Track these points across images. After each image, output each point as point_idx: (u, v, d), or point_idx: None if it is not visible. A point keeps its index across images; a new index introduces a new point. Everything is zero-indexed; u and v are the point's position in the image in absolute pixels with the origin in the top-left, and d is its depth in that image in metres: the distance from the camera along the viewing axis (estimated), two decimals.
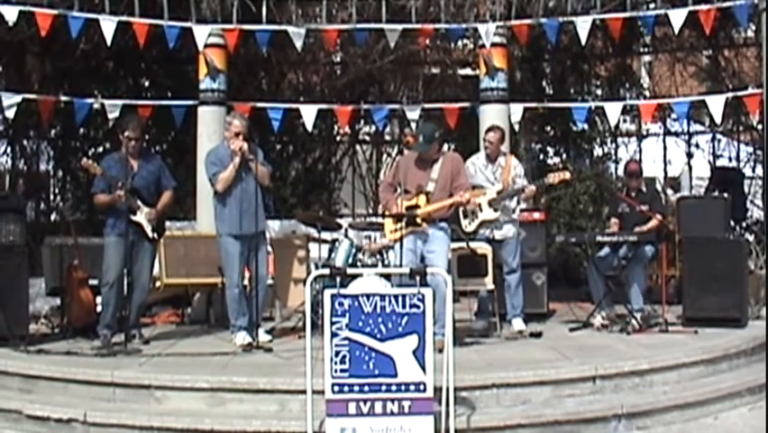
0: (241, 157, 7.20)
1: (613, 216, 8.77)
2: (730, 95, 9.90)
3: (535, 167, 12.08)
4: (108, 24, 9.05)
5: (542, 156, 13.02)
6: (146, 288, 7.63)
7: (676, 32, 9.60)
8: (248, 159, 7.25)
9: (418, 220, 7.00)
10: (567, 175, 8.15)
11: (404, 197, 7.04)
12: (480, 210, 7.91)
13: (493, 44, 9.52)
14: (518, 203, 8.16)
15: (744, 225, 11.45)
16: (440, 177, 7.11)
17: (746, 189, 12.11)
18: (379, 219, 7.92)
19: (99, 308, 7.64)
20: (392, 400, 5.22)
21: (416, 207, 7.04)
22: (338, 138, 13.74)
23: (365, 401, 5.21)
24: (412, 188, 7.08)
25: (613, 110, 10.08)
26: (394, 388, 5.22)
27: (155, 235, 7.55)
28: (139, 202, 7.40)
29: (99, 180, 7.44)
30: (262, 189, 7.44)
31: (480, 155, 8.21)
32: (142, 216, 7.41)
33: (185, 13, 9.33)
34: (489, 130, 8.27)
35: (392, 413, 5.21)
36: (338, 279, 5.53)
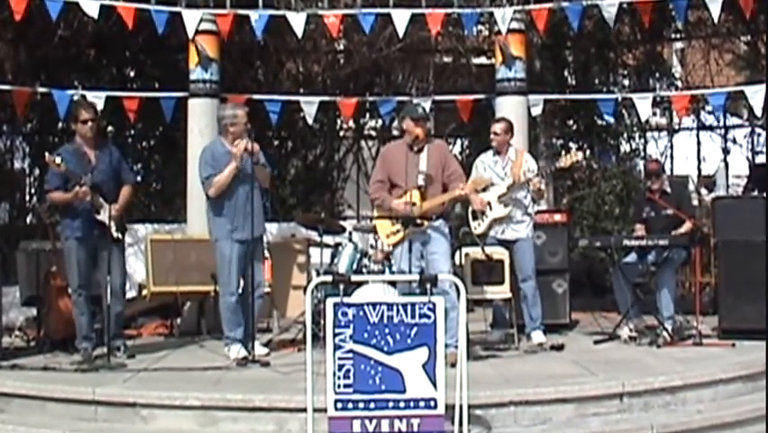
0: (244, 159, 7.13)
1: (637, 221, 8.75)
2: None
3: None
4: (91, 7, 9.08)
5: (563, 153, 13.01)
6: (122, 293, 7.58)
7: (715, 19, 9.57)
8: (254, 162, 7.21)
9: (418, 219, 7.01)
10: (576, 157, 8.13)
11: (394, 193, 7.07)
12: (490, 208, 7.97)
13: (510, 30, 9.53)
14: (533, 201, 8.18)
15: None
16: (429, 167, 7.14)
17: None
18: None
19: None
20: (400, 418, 5.23)
21: (412, 204, 7.04)
22: (341, 133, 13.75)
23: (371, 419, 5.22)
24: (401, 181, 7.10)
25: (644, 103, 10.07)
26: (402, 405, 5.23)
27: (119, 235, 7.42)
28: (101, 199, 7.27)
29: (54, 176, 7.30)
30: (261, 191, 7.46)
31: (488, 152, 8.27)
32: (107, 215, 7.26)
33: None
34: (495, 121, 8.37)
35: (400, 432, 5.21)
36: (341, 286, 5.53)
